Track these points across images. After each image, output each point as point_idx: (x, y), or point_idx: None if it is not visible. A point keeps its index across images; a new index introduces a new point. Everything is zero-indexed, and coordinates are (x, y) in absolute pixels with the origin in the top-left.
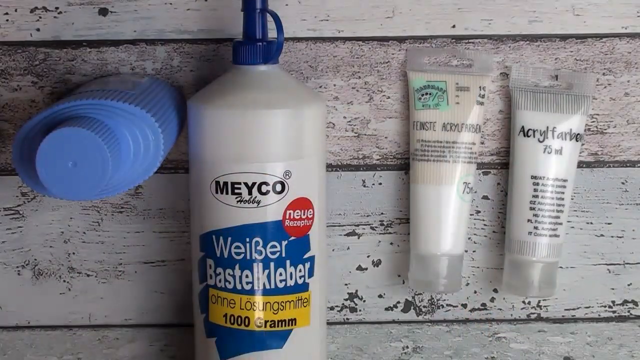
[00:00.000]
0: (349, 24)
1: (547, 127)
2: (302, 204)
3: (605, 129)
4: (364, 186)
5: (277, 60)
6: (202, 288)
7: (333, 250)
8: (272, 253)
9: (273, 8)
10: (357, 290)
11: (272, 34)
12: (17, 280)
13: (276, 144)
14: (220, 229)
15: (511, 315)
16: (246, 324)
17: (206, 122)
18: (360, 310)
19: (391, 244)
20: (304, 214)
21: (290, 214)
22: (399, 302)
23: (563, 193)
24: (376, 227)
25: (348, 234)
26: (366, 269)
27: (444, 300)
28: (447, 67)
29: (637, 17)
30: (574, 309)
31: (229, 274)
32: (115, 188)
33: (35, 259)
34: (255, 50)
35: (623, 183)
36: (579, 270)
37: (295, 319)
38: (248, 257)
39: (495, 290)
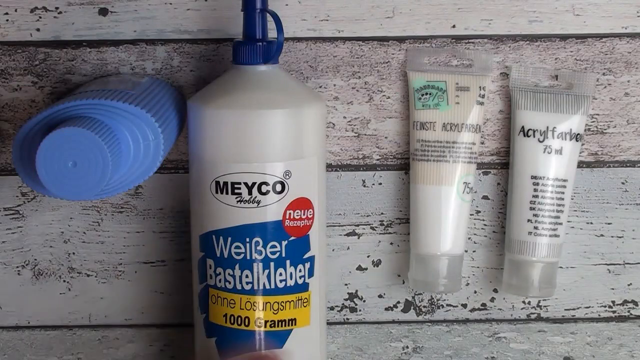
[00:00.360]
0: (349, 24)
1: (547, 127)
2: (302, 204)
3: (605, 129)
4: (364, 186)
5: (277, 60)
6: (202, 288)
7: (333, 250)
8: (272, 253)
9: (273, 8)
10: (357, 290)
11: (272, 34)
12: (17, 280)
13: (276, 144)
14: (220, 229)
15: (511, 315)
16: (246, 324)
17: (206, 122)
18: (360, 310)
19: (391, 244)
20: (304, 214)
21: (290, 214)
22: (399, 302)
23: (563, 193)
24: (376, 227)
25: (348, 234)
26: (366, 269)
27: (444, 300)
28: (447, 67)
29: (637, 17)
30: (574, 309)
31: (229, 274)
32: (115, 188)
33: (35, 259)
34: (255, 50)
35: (623, 183)
36: (579, 270)
37: (295, 319)
38: (248, 257)
39: (495, 290)
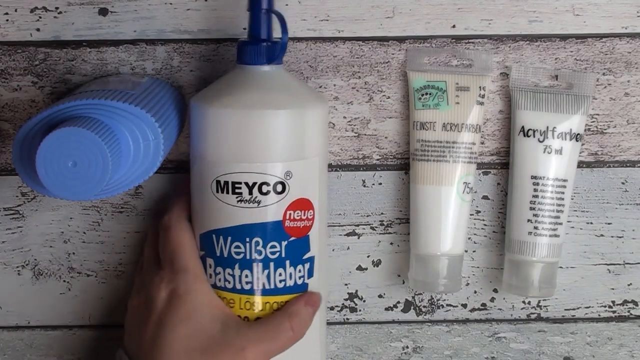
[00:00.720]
0: (349, 24)
1: (547, 127)
2: (303, 204)
3: (605, 129)
4: (364, 186)
5: (281, 61)
6: None
7: (333, 250)
8: (272, 253)
9: None
10: (357, 290)
11: (276, 33)
12: (17, 280)
13: (277, 145)
14: (220, 228)
15: (511, 315)
16: None
17: (208, 121)
18: (360, 310)
19: (391, 244)
20: (304, 215)
21: (290, 214)
22: (399, 302)
23: (563, 193)
24: (376, 227)
25: (348, 234)
26: (366, 269)
27: (444, 300)
28: (447, 67)
29: (637, 17)
30: (574, 309)
31: (228, 273)
32: (115, 188)
33: (35, 259)
34: (259, 50)
35: (623, 183)
36: (579, 270)
37: None
38: (248, 257)
39: (495, 290)
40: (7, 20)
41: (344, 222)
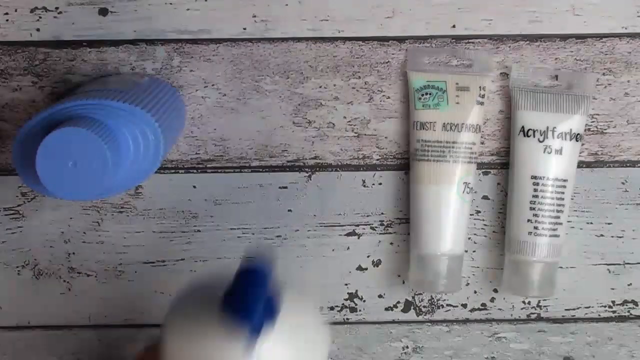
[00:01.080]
0: (349, 24)
1: (547, 127)
2: None
3: (605, 129)
4: (364, 186)
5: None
6: None
7: (333, 250)
8: None
9: (273, 8)
10: (357, 290)
11: None
12: (17, 280)
13: None
14: None
15: (511, 315)
16: None
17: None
18: (360, 310)
19: (391, 244)
20: None
21: None
22: (399, 302)
23: (563, 193)
24: (376, 227)
25: (348, 234)
26: (366, 269)
27: (444, 300)
28: (447, 67)
29: (637, 17)
30: (574, 309)
31: None
32: (115, 188)
33: (35, 259)
34: (238, 322)
35: (623, 183)
36: (579, 270)
37: None
38: None
39: (495, 290)
40: (7, 20)
41: (344, 222)
